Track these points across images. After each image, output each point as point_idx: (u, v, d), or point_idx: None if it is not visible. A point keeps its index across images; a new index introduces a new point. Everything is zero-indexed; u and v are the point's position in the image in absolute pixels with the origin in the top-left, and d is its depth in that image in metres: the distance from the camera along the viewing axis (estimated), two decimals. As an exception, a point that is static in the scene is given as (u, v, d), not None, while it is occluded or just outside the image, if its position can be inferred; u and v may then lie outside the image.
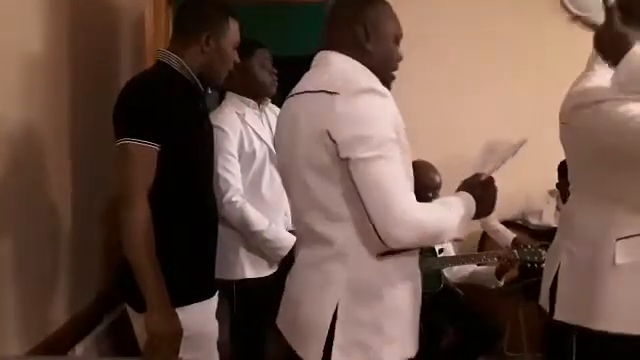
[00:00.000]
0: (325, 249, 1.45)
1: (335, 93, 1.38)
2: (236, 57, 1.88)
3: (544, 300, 1.75)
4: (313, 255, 1.49)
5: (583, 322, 1.59)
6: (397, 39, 1.55)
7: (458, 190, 1.53)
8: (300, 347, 1.47)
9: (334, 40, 1.51)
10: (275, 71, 2.52)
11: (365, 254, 1.41)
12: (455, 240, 1.55)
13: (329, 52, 1.50)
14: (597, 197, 1.64)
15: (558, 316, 1.66)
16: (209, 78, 1.84)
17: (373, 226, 1.34)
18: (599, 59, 1.60)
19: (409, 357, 1.48)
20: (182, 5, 1.88)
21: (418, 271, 1.54)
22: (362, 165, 1.33)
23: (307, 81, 1.51)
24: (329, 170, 1.40)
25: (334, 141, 1.36)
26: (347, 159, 1.35)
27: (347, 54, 1.48)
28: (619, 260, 1.54)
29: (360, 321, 1.41)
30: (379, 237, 1.34)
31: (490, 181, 1.54)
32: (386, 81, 1.51)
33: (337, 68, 1.47)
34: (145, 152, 1.65)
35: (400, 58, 1.56)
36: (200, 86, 1.83)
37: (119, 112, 1.71)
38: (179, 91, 1.76)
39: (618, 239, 1.56)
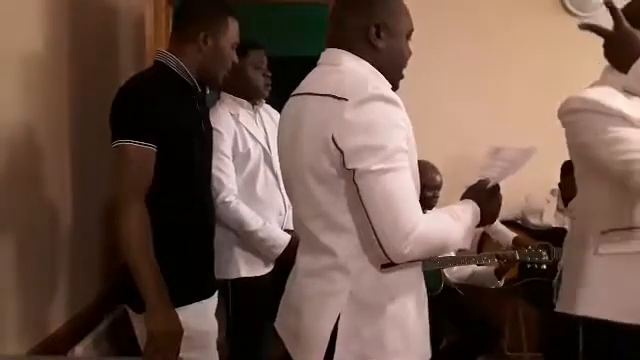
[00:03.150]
0: (327, 258, 1.40)
1: (343, 99, 1.30)
2: (234, 57, 1.87)
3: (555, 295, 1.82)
4: (315, 263, 1.43)
5: (573, 310, 1.65)
6: (409, 35, 1.47)
7: (463, 197, 1.47)
8: (297, 355, 1.46)
9: (343, 38, 1.42)
10: (269, 73, 2.51)
11: (368, 266, 1.37)
12: (459, 250, 1.52)
13: (338, 51, 1.42)
14: (587, 193, 1.70)
15: (557, 307, 1.73)
16: (207, 78, 1.83)
17: (378, 241, 1.28)
18: (613, 72, 1.62)
19: None
20: (181, 4, 1.88)
21: (422, 280, 1.50)
22: (371, 178, 1.26)
23: (313, 81, 1.44)
24: (332, 179, 1.34)
25: (340, 150, 1.29)
26: (354, 170, 1.28)
27: (356, 53, 1.41)
28: (602, 250, 1.60)
29: (362, 335, 1.36)
30: (384, 252, 1.29)
31: (496, 190, 1.49)
32: (395, 80, 1.45)
33: (346, 69, 1.39)
34: (142, 153, 1.65)
35: (410, 54, 1.48)
36: (198, 87, 1.83)
37: (116, 113, 1.71)
38: (176, 92, 1.76)
39: (603, 232, 1.61)
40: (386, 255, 1.29)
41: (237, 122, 2.43)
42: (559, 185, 3.20)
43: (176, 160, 1.72)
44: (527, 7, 3.46)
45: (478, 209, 1.43)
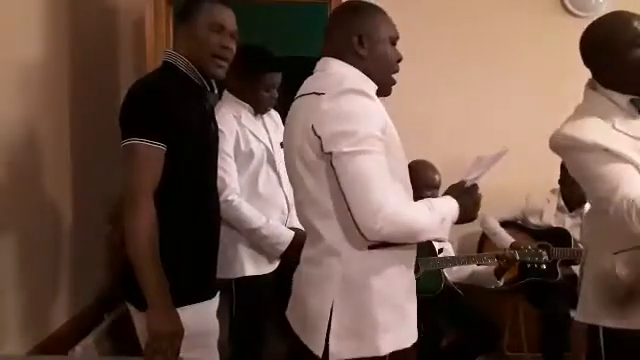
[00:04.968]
0: (320, 244, 1.52)
1: (322, 93, 1.46)
2: (217, 39, 1.77)
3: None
4: (312, 250, 1.56)
5: (597, 321, 1.71)
6: (393, 41, 1.61)
7: (444, 195, 1.58)
8: (306, 338, 1.54)
9: (332, 47, 1.59)
10: (276, 95, 2.53)
11: (355, 248, 1.47)
12: (437, 240, 1.58)
13: (328, 59, 1.59)
14: (595, 215, 1.77)
15: (577, 317, 1.80)
16: (199, 68, 1.79)
17: (352, 217, 1.40)
18: (590, 92, 1.73)
19: (405, 347, 1.52)
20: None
21: (411, 270, 1.58)
22: (344, 158, 1.40)
23: (305, 85, 1.59)
24: (315, 165, 1.47)
25: (318, 136, 1.44)
26: (330, 153, 1.42)
27: (344, 60, 1.56)
28: (619, 270, 1.65)
29: (353, 311, 1.47)
30: (358, 228, 1.40)
31: (474, 188, 1.60)
32: (386, 84, 1.59)
33: (333, 72, 1.55)
34: (152, 152, 1.65)
35: (400, 58, 1.61)
36: (206, 85, 1.83)
37: (126, 113, 1.71)
38: (185, 91, 1.76)
39: (615, 253, 1.66)
40: (360, 232, 1.40)
41: (239, 123, 2.45)
42: (559, 182, 3.20)
43: (184, 160, 1.72)
44: (527, 7, 3.45)
45: (456, 204, 1.53)
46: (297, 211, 1.65)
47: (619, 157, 1.60)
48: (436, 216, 1.47)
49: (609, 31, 1.67)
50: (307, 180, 1.51)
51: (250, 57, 2.36)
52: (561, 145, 1.70)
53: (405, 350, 1.52)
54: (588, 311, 1.75)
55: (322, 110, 1.44)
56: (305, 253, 1.62)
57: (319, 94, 1.47)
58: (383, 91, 1.58)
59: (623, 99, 1.68)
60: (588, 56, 1.74)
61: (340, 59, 1.57)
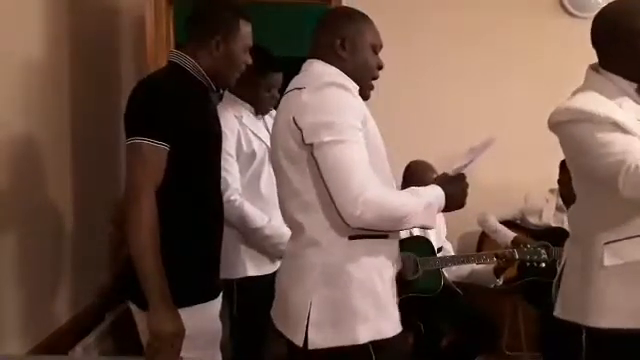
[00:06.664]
0: (301, 237, 1.56)
1: (303, 88, 1.53)
2: (247, 59, 1.87)
3: (554, 297, 1.81)
4: (294, 244, 1.61)
5: (579, 319, 1.66)
6: (375, 49, 1.68)
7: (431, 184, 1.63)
8: (287, 330, 1.58)
9: (317, 49, 1.67)
10: (277, 96, 2.53)
11: (335, 238, 1.51)
12: (423, 227, 1.59)
13: (313, 60, 1.66)
14: (586, 204, 1.72)
15: (557, 313, 1.73)
16: (218, 80, 1.84)
17: (334, 205, 1.43)
18: (596, 74, 1.68)
19: (385, 337, 1.53)
20: (196, 6, 1.87)
21: (392, 264, 1.59)
22: (325, 148, 1.44)
23: (290, 85, 1.65)
24: (297, 157, 1.51)
25: (300, 128, 1.48)
26: (311, 144, 1.46)
27: (326, 61, 1.64)
28: (607, 262, 1.62)
29: (332, 300, 1.50)
30: (340, 215, 1.43)
31: (460, 177, 1.63)
32: (364, 88, 1.65)
33: (314, 71, 1.63)
34: (155, 151, 1.66)
35: (380, 66, 1.68)
36: (213, 87, 1.84)
37: (131, 111, 1.72)
38: (191, 92, 1.77)
39: (605, 243, 1.62)
40: (342, 218, 1.43)
41: (240, 123, 2.45)
42: (558, 181, 3.21)
43: (188, 160, 1.72)
44: (526, 8, 3.46)
45: (442, 192, 1.56)
46: (281, 207, 1.68)
47: (628, 131, 1.54)
48: (419, 201, 1.49)
49: (622, 17, 1.63)
50: (290, 172, 1.55)
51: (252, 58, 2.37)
52: (564, 119, 1.63)
53: (388, 340, 1.53)
54: (570, 307, 1.70)
55: (303, 102, 1.49)
56: (287, 248, 1.67)
57: (300, 89, 1.53)
58: (361, 95, 1.62)
59: (630, 87, 1.64)
60: (598, 40, 1.70)
61: (323, 60, 1.64)
